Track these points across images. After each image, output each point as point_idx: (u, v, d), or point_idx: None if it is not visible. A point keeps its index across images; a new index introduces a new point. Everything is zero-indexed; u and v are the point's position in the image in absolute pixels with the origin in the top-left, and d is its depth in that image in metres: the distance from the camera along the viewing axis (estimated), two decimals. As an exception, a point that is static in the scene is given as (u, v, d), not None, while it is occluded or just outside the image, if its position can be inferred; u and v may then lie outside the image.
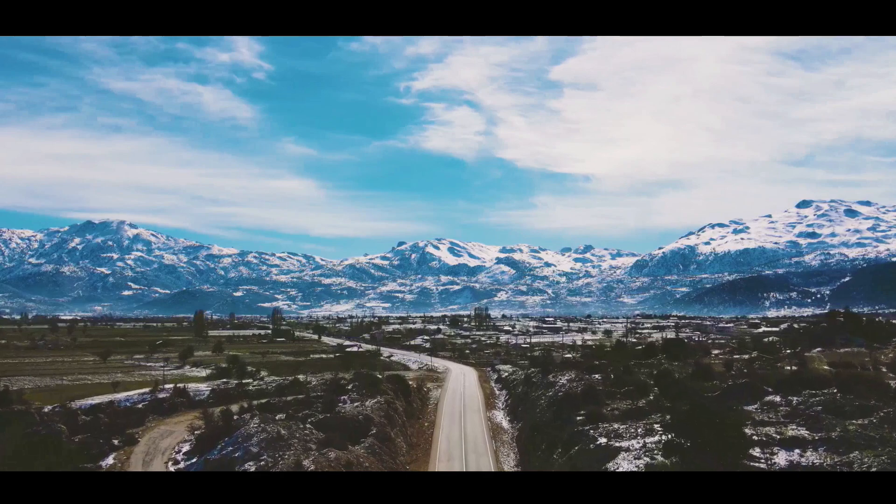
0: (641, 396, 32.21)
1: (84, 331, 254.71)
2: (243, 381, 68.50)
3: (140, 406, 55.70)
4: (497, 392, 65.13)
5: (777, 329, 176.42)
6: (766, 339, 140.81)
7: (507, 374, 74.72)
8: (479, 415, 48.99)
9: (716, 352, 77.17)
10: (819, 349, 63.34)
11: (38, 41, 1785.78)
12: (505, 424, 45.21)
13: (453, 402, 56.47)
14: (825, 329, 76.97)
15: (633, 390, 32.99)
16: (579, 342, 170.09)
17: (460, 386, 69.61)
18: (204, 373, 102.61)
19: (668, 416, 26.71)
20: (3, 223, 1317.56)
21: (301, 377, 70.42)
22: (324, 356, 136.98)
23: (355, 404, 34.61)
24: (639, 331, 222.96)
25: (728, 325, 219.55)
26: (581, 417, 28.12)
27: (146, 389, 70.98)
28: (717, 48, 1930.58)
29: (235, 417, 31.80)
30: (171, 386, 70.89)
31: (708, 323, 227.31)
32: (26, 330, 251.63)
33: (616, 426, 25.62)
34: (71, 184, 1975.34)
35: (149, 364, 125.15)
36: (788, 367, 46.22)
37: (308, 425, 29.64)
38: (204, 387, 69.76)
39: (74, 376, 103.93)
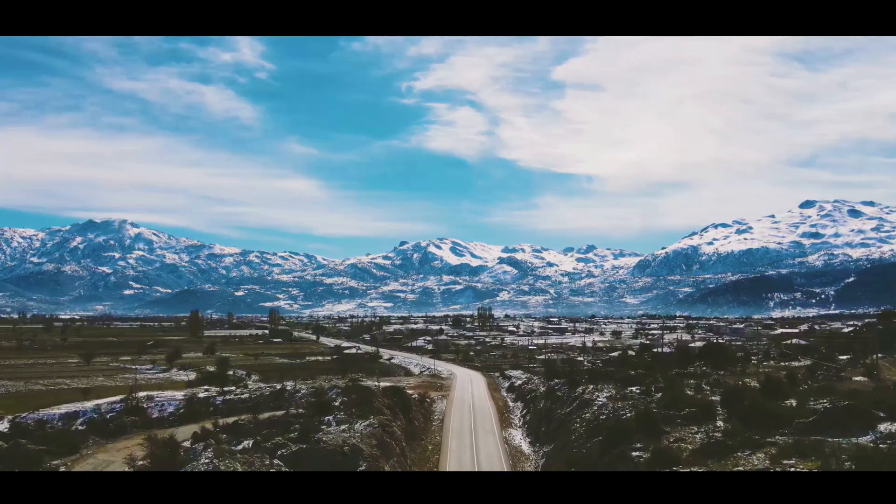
0: (708, 421, 24.83)
1: (78, 331, 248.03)
2: (225, 389, 61.22)
3: (108, 417, 48.51)
4: (511, 405, 57.09)
5: (796, 331, 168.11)
6: (787, 342, 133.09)
7: (520, 381, 66.41)
8: (494, 436, 41.22)
9: (755, 358, 68.69)
10: (879, 356, 55.91)
11: (42, 41, 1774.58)
12: (525, 448, 37.70)
13: (462, 417, 48.56)
14: (881, 332, 69.55)
15: (697, 413, 25.52)
16: (589, 344, 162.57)
17: (468, 396, 61.68)
18: (190, 377, 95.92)
19: (762, 457, 19.43)
20: (6, 222, 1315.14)
21: (289, 385, 63.20)
22: (320, 359, 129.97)
23: (342, 428, 27.46)
24: (648, 332, 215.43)
25: (741, 326, 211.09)
26: (639, 454, 20.79)
27: (120, 397, 63.95)
28: (721, 50, 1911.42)
29: (186, 445, 24.81)
30: (145, 394, 63.68)
31: (720, 324, 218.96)
32: (20, 329, 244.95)
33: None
34: (75, 183, 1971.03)
35: (134, 367, 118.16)
36: (859, 379, 39.06)
37: (276, 461, 22.40)
38: (181, 395, 62.51)
39: (52, 380, 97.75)
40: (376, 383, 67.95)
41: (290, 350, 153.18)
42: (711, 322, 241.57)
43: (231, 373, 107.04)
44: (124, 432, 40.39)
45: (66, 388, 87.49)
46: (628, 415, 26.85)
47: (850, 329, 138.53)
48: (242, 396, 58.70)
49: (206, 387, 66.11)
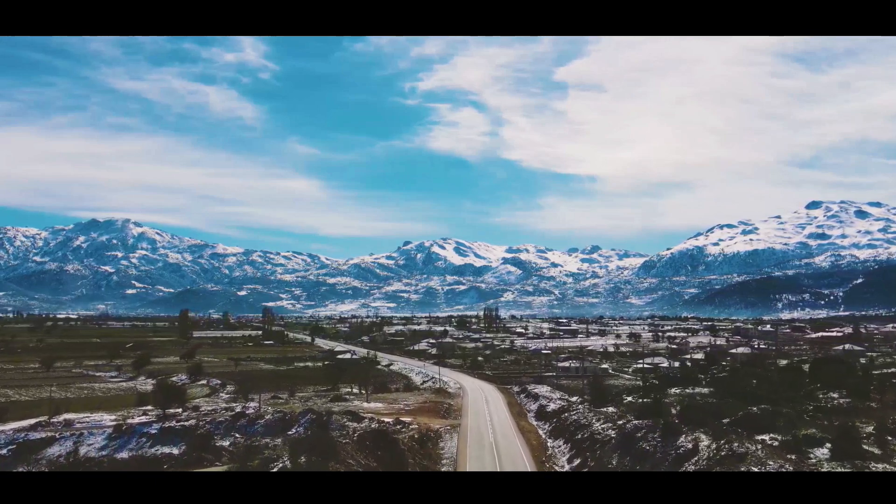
0: None
1: (60, 332, 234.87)
2: (167, 413, 47.05)
3: None
4: (549, 444, 40.77)
5: (839, 334, 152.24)
6: (839, 348, 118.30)
7: (554, 405, 49.26)
8: None
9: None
10: None
11: (45, 41, 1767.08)
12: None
13: (482, 469, 32.09)
14: None
15: None
16: (611, 348, 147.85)
17: (486, 427, 45.58)
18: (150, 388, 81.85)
19: None
20: (9, 221, 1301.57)
21: (251, 406, 49.03)
22: (310, 365, 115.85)
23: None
24: (667, 335, 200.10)
25: (770, 328, 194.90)
26: None
27: (33, 421, 50.01)
28: (722, 50, 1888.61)
29: None
30: (64, 418, 49.58)
31: (748, 326, 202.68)
32: (5, 329, 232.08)
33: None
34: (78, 183, 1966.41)
35: (98, 374, 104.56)
36: None
37: None
38: (110, 419, 48.49)
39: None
40: (365, 402, 53.65)
41: (280, 354, 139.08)
42: (738, 324, 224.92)
43: (205, 382, 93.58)
44: None
45: (3, 402, 74.06)
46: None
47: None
48: (187, 423, 44.44)
49: (147, 407, 51.98)
